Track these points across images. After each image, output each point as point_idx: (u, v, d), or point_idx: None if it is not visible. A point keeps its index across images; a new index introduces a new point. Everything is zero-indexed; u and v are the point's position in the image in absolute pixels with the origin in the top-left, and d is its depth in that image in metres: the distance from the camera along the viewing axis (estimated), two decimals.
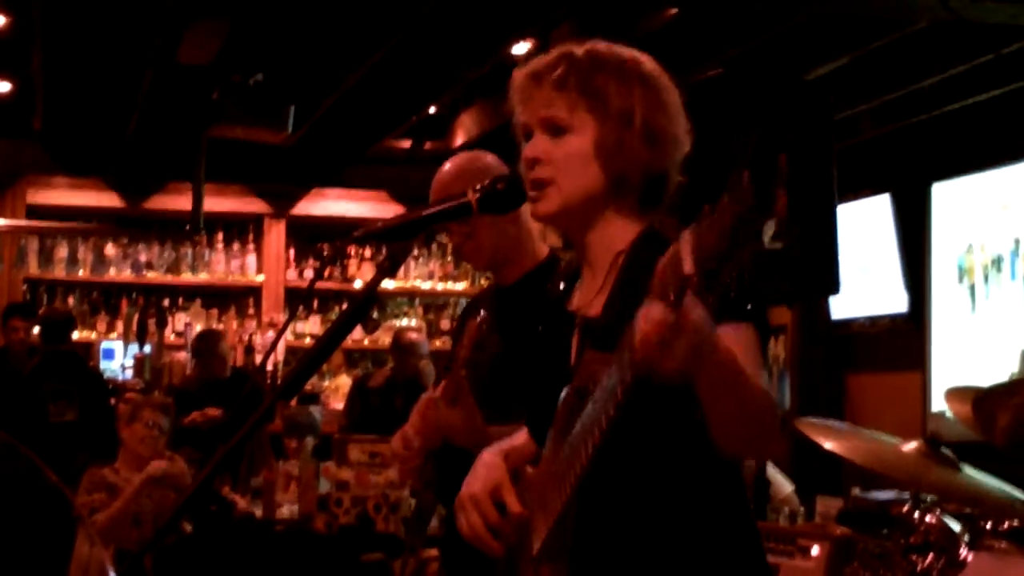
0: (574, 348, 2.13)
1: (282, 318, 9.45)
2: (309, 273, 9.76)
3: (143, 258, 9.62)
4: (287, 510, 5.43)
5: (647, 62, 2.13)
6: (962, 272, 6.95)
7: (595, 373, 1.92)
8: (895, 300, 7.33)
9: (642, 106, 2.07)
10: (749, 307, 1.91)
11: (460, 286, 9.95)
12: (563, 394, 2.03)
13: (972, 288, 6.85)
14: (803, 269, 4.61)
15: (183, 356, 9.08)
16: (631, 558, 2.02)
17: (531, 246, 3.03)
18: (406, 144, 9.28)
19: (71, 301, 9.61)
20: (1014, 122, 6.52)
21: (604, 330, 2.02)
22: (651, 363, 1.67)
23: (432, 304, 10.08)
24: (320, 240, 9.73)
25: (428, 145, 9.18)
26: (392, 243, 2.15)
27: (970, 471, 3.37)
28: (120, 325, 9.59)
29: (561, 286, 2.25)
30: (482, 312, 3.04)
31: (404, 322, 9.82)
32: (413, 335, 8.17)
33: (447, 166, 3.07)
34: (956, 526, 3.30)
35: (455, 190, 2.49)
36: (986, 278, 6.74)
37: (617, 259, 2.10)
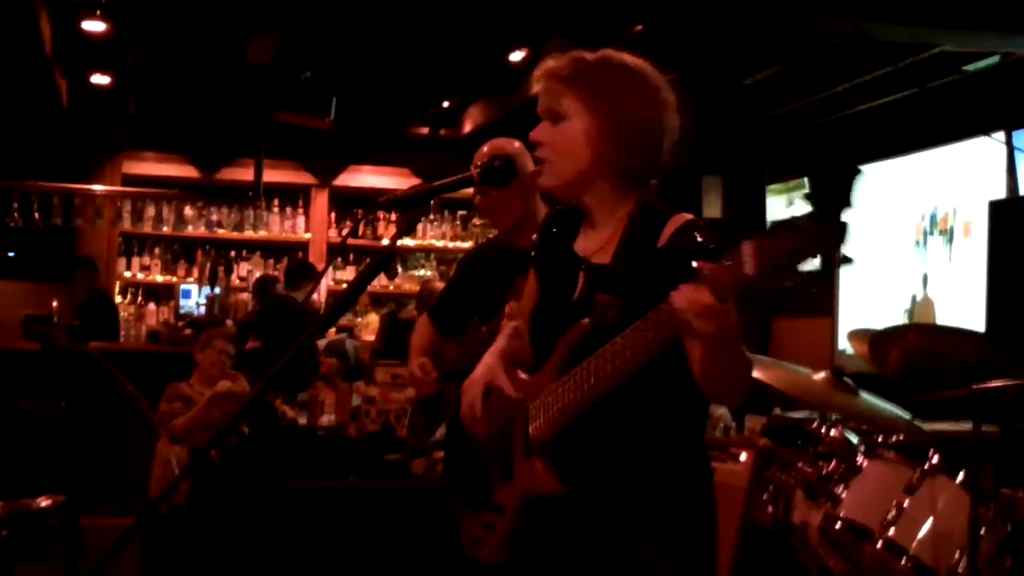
0: (580, 285, 2.05)
1: None
2: (346, 232, 9.75)
3: (215, 218, 9.58)
4: (326, 419, 5.42)
5: (635, 63, 2.03)
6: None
7: (607, 313, 1.93)
8: (812, 262, 7.33)
9: (627, 99, 1.99)
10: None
11: (467, 244, 9.92)
12: (578, 324, 1.97)
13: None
14: (736, 238, 4.57)
15: (245, 296, 9.09)
16: (611, 460, 1.99)
17: (538, 212, 2.95)
18: (426, 131, 9.24)
19: (157, 251, 9.59)
20: (909, 122, 6.48)
21: (615, 277, 1.98)
22: (687, 328, 1.70)
23: (444, 259, 10.05)
24: (356, 207, 9.70)
25: (443, 132, 9.14)
26: (410, 208, 2.13)
27: (867, 396, 3.38)
28: (196, 271, 9.60)
29: (554, 229, 2.16)
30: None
31: (421, 273, 9.85)
32: (437, 285, 8.16)
33: (485, 147, 3.02)
34: (855, 439, 3.32)
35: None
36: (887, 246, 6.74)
37: (622, 220, 2.03)
